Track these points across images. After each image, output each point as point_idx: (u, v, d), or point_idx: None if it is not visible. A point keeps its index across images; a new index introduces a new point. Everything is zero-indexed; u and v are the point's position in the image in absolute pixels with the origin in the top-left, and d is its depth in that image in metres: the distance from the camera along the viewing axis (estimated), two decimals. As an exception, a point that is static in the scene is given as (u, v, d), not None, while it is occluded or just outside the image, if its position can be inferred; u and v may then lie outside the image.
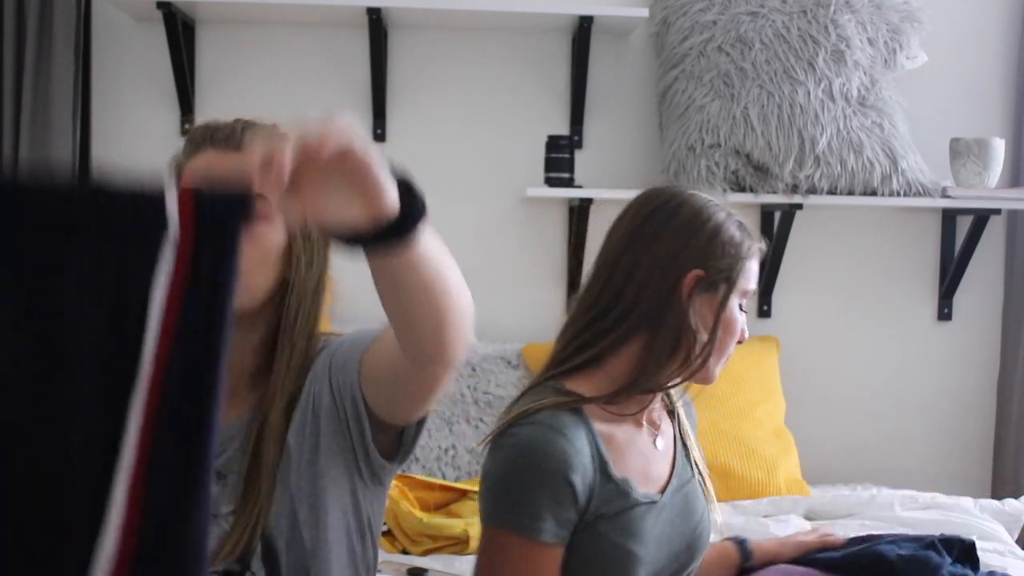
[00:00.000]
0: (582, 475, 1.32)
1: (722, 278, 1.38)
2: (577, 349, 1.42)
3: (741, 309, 1.43)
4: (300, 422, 1.29)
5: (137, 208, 0.86)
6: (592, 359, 1.41)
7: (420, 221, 0.96)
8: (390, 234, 0.94)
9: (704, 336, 1.38)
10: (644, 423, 1.45)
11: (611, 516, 1.35)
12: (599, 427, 1.38)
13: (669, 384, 1.43)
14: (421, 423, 1.30)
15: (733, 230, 1.41)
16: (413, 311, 1.04)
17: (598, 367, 1.41)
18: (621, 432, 1.41)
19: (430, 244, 1.00)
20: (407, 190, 0.94)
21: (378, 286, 1.03)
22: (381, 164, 0.89)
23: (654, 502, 1.40)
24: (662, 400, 1.51)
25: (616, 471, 1.37)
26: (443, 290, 1.03)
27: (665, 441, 1.49)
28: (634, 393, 1.40)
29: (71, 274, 0.85)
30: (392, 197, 0.91)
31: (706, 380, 1.42)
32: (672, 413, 1.53)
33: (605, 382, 1.40)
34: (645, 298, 1.38)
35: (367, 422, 1.26)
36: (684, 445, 1.52)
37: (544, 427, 1.33)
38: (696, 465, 1.52)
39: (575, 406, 1.37)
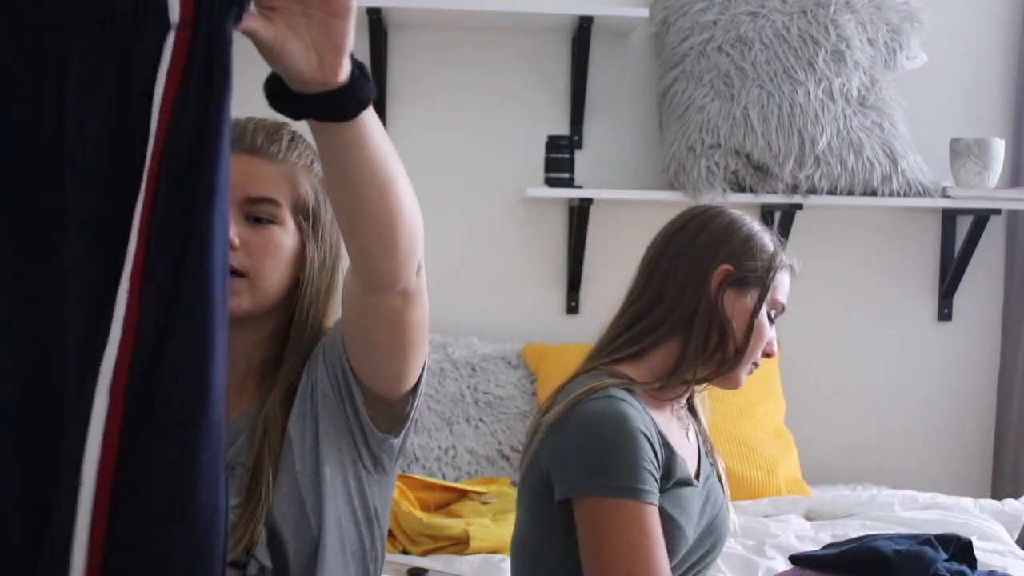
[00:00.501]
0: (654, 442, 1.39)
1: (752, 278, 1.47)
2: (621, 345, 1.49)
3: (771, 321, 1.51)
4: (299, 409, 1.30)
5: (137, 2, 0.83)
6: (634, 354, 1.49)
7: (368, 100, 0.95)
8: (338, 102, 0.93)
9: (735, 334, 1.46)
10: (676, 416, 1.53)
11: (670, 488, 1.41)
12: (648, 410, 1.45)
13: (702, 378, 1.49)
14: (414, 395, 1.30)
15: (766, 239, 1.51)
16: (362, 208, 1.04)
17: (641, 359, 1.49)
18: (662, 419, 1.47)
19: (378, 134, 0.99)
20: (360, 72, 0.93)
21: (327, 176, 1.04)
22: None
23: (695, 485, 1.47)
24: (688, 400, 1.58)
25: (674, 446, 1.44)
26: (391, 186, 1.03)
27: (692, 435, 1.56)
28: (672, 384, 1.48)
29: (72, 76, 0.84)
30: (347, 68, 0.91)
31: (734, 384, 1.51)
32: (693, 411, 1.59)
33: (646, 373, 1.48)
34: (684, 297, 1.46)
35: (360, 397, 1.27)
36: (705, 443, 1.58)
37: (616, 399, 1.39)
38: (715, 464, 1.58)
39: (629, 388, 1.44)
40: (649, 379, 1.47)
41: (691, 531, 1.44)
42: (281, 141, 1.32)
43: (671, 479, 1.41)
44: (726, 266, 1.46)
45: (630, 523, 1.33)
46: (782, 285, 1.52)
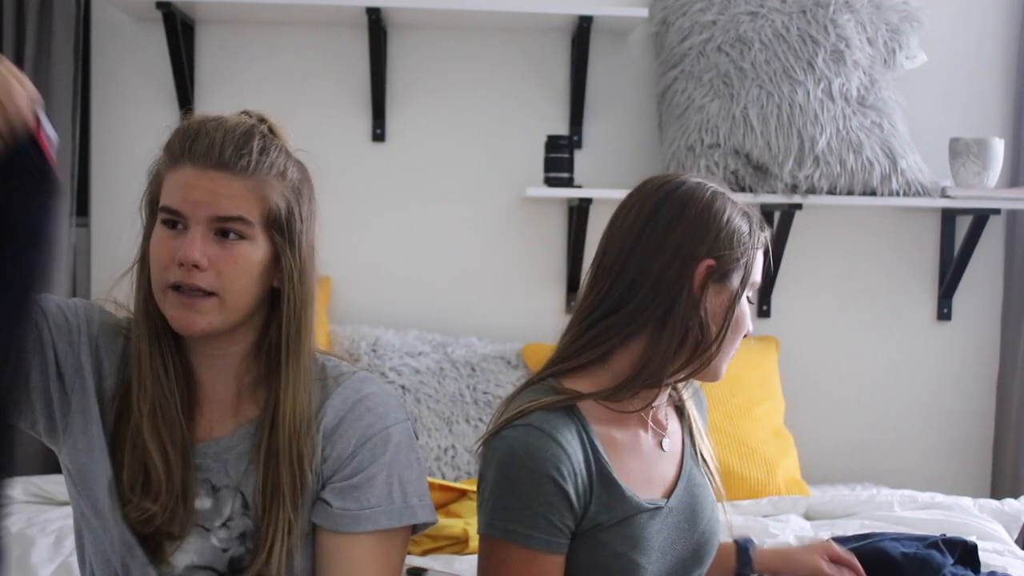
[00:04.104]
0: (575, 480, 1.29)
1: (734, 268, 1.36)
2: (583, 347, 1.38)
3: (749, 301, 1.41)
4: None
5: None
6: (599, 357, 1.38)
7: None
8: None
9: (714, 328, 1.35)
10: (649, 424, 1.42)
11: (611, 524, 1.32)
12: (598, 429, 1.35)
13: (674, 378, 1.38)
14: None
15: (741, 221, 1.38)
16: None
17: (603, 364, 1.38)
18: (623, 434, 1.38)
19: None
20: None
21: None
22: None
23: (659, 508, 1.37)
24: (670, 396, 1.48)
25: (617, 475, 1.34)
26: None
27: (672, 442, 1.45)
28: (637, 388, 1.36)
29: None
30: None
31: (714, 376, 1.39)
32: (680, 411, 1.50)
33: (608, 379, 1.37)
34: (660, 292, 1.34)
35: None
36: (692, 443, 1.49)
37: (534, 430, 1.30)
38: (705, 461, 1.49)
39: (571, 407, 1.34)
40: (610, 385, 1.36)
41: (655, 559, 1.36)
42: (251, 153, 1.29)
43: (612, 515, 1.32)
44: (709, 261, 1.34)
45: (516, 570, 1.29)
46: (758, 263, 1.40)
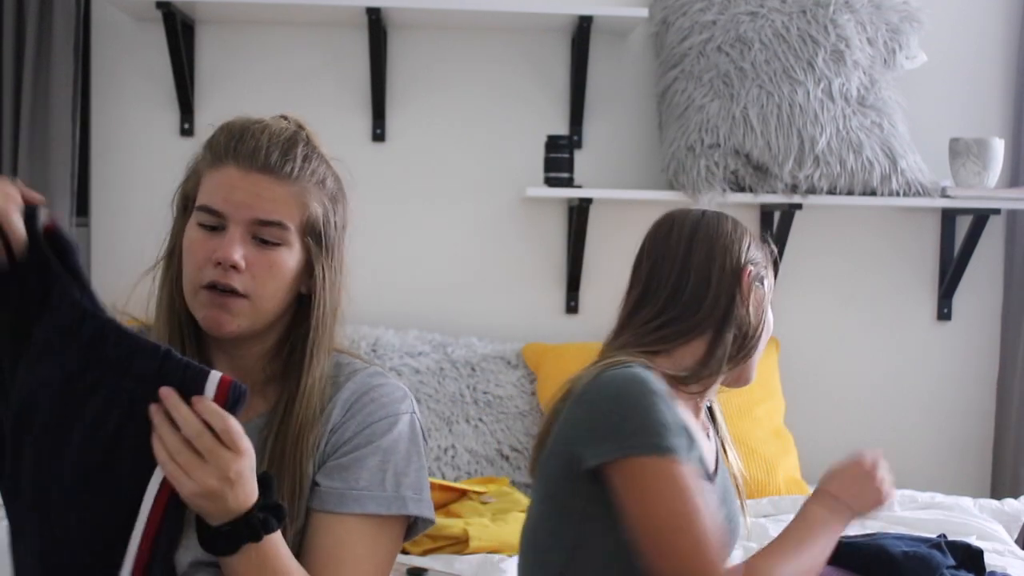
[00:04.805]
0: (679, 419, 1.40)
1: (764, 273, 1.56)
2: (655, 340, 1.51)
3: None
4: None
5: (174, 378, 1.11)
6: (662, 350, 1.50)
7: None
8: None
9: (759, 327, 1.53)
10: (702, 414, 1.56)
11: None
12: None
13: (726, 375, 1.53)
14: None
15: (755, 237, 1.58)
16: None
17: (668, 356, 1.50)
18: (682, 411, 1.48)
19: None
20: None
21: None
22: None
23: (711, 481, 1.48)
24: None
25: (695, 436, 1.45)
26: None
27: (712, 436, 1.59)
28: (703, 378, 1.51)
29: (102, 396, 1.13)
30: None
31: (747, 379, 1.57)
32: (712, 415, 1.63)
33: (670, 366, 1.49)
34: (721, 296, 1.51)
35: None
36: (723, 447, 1.61)
37: (640, 369, 1.42)
38: (731, 468, 1.60)
39: (650, 367, 1.46)
40: (676, 370, 1.49)
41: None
42: (295, 159, 1.30)
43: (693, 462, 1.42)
44: (748, 268, 1.53)
45: (666, 482, 1.34)
46: (771, 270, 1.61)
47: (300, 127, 1.35)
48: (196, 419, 1.10)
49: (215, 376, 1.11)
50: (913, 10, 2.88)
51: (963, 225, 3.03)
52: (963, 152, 2.83)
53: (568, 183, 2.81)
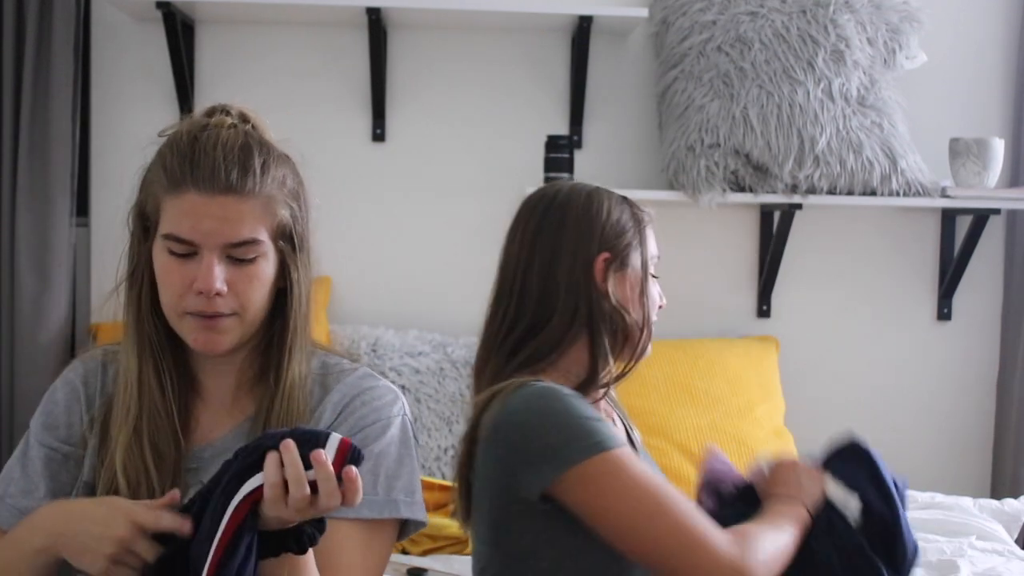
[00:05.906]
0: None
1: (628, 253, 1.43)
2: (526, 361, 1.42)
3: (653, 276, 1.48)
4: None
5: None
6: (547, 366, 1.42)
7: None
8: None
9: (633, 312, 1.42)
10: (603, 412, 1.48)
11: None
12: None
13: (625, 371, 1.45)
14: None
15: (619, 209, 1.45)
16: None
17: (553, 369, 1.42)
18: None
19: None
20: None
21: None
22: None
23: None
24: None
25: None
26: None
27: (616, 421, 1.53)
28: (595, 388, 1.43)
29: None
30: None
31: (643, 357, 1.46)
32: (611, 399, 1.57)
33: (562, 379, 1.41)
34: (573, 299, 1.41)
35: None
36: (628, 431, 1.55)
37: (539, 383, 1.35)
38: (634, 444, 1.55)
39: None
40: (567, 384, 1.40)
41: None
42: (255, 172, 1.27)
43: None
44: (604, 255, 1.41)
45: (619, 472, 1.28)
46: (651, 239, 1.48)
47: (245, 119, 1.32)
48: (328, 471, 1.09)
49: (335, 439, 1.11)
50: (913, 10, 2.88)
51: (963, 225, 3.03)
52: (963, 152, 2.83)
53: (568, 183, 2.81)
